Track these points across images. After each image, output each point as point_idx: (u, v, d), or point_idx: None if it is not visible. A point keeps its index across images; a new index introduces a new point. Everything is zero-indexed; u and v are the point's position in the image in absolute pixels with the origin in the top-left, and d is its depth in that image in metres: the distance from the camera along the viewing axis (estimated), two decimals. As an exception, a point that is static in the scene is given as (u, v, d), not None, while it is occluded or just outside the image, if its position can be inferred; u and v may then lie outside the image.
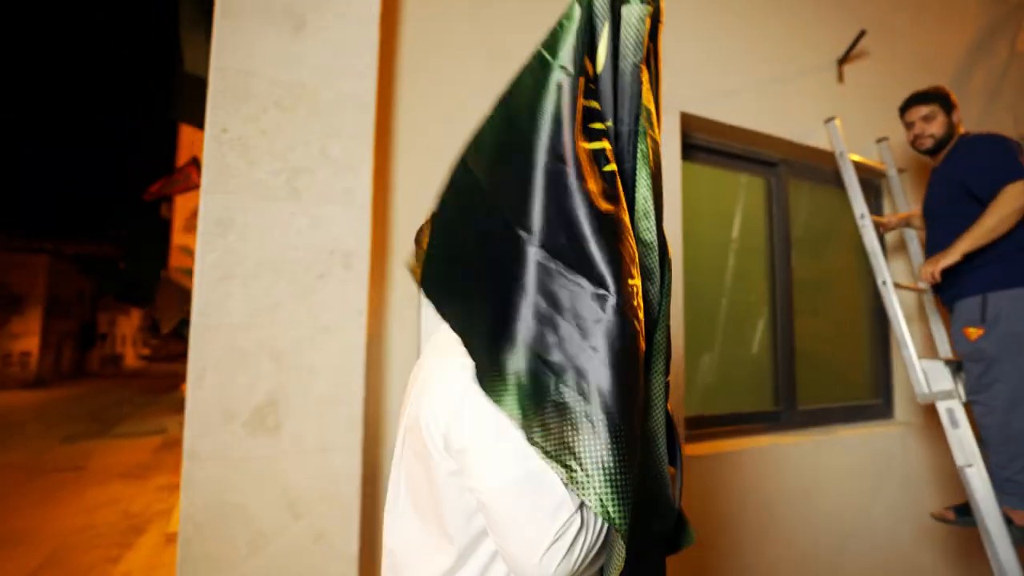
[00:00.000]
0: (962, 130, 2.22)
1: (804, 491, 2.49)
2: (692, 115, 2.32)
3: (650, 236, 0.87)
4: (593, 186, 0.79)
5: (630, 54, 0.88)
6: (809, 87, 2.68)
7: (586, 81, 0.83)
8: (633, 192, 0.88)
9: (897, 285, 2.36)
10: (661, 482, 0.91)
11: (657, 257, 0.88)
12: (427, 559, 0.82)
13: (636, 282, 0.79)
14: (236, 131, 1.38)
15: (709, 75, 2.38)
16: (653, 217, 0.87)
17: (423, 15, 1.74)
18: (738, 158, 2.64)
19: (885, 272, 2.35)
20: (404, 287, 1.64)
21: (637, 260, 0.82)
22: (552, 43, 0.83)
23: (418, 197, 1.68)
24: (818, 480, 2.53)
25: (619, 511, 0.69)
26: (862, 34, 2.65)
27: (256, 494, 1.35)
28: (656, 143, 0.90)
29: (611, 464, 0.69)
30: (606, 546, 0.79)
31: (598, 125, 0.84)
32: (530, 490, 0.73)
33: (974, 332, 2.02)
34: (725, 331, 2.60)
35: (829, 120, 2.62)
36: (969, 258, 2.06)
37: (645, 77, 0.89)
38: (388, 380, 1.61)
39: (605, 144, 0.83)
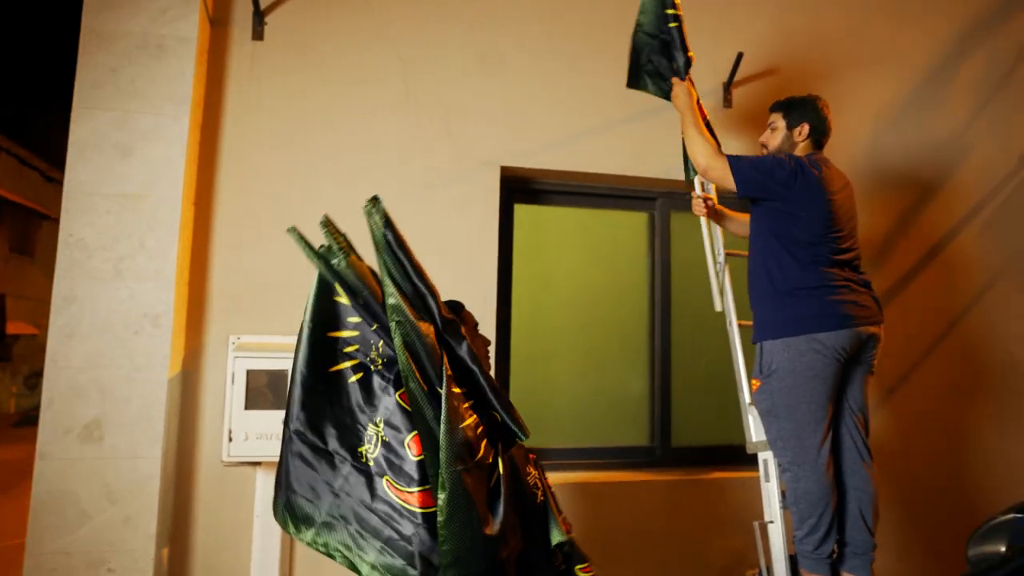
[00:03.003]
0: (809, 152, 1.98)
1: (673, 532, 2.47)
2: (527, 168, 2.48)
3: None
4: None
5: (361, 289, 1.26)
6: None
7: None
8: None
9: (742, 324, 2.25)
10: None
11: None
12: None
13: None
14: (79, 235, 2.02)
15: (553, 121, 2.51)
16: (415, 372, 1.17)
17: (240, 123, 2.24)
18: (611, 197, 2.69)
19: (732, 313, 2.26)
20: (216, 336, 2.15)
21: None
22: None
23: (233, 268, 2.19)
24: (691, 523, 2.48)
25: None
26: (740, 57, 2.53)
27: (84, 485, 1.95)
28: (404, 322, 1.18)
29: None
30: None
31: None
32: None
33: (755, 384, 1.91)
34: (599, 365, 2.67)
35: (698, 153, 2.54)
36: (757, 303, 1.97)
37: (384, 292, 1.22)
38: (201, 406, 2.13)
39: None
